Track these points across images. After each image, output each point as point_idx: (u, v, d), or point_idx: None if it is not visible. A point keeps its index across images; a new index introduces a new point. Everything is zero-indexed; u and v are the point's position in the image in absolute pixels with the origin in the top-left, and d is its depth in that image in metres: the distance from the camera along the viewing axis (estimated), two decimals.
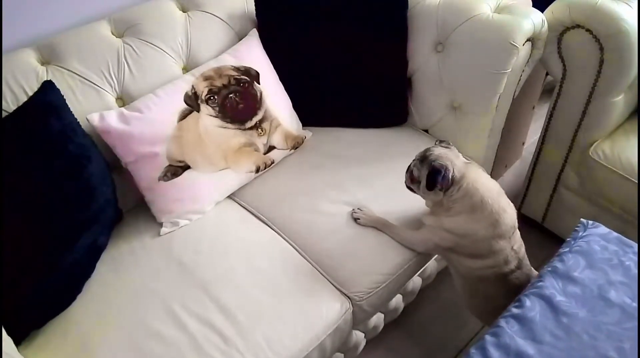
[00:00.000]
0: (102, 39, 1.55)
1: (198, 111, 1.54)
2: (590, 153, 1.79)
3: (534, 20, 1.59)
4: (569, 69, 1.73)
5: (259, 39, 1.71)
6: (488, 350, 1.11)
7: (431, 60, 1.74)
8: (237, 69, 1.61)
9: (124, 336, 1.26)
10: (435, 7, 1.71)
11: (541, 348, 1.11)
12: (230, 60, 1.62)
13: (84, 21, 1.59)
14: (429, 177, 1.36)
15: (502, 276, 1.40)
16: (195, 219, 1.54)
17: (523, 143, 2.40)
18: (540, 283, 1.24)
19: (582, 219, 1.41)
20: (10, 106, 1.37)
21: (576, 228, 1.38)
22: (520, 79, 1.71)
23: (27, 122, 1.30)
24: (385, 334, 1.78)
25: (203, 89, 1.55)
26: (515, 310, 1.19)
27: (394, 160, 1.66)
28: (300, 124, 1.78)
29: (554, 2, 1.70)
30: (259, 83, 1.63)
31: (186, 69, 1.65)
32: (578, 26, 1.63)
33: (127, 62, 1.55)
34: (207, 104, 1.55)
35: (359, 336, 1.61)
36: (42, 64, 1.47)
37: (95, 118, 1.43)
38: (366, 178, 1.64)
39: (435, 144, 1.45)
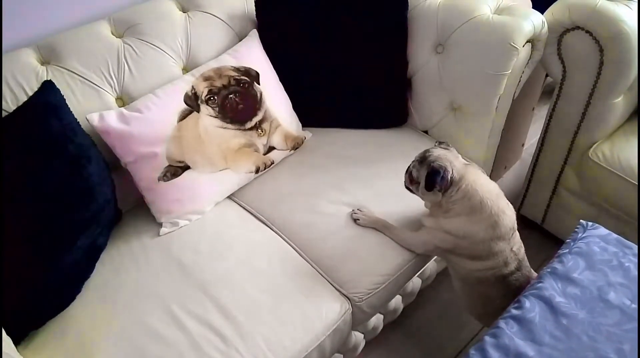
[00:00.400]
0: (102, 39, 1.55)
1: (198, 111, 1.54)
2: (589, 154, 1.79)
3: (534, 21, 1.59)
4: (568, 70, 1.74)
5: (259, 39, 1.71)
6: (487, 351, 1.11)
7: (431, 61, 1.74)
8: (237, 69, 1.61)
9: (123, 336, 1.26)
10: (435, 8, 1.71)
11: (540, 350, 1.11)
12: (230, 60, 1.62)
13: (84, 21, 1.59)
14: (428, 178, 1.36)
15: (501, 278, 1.40)
16: (194, 220, 1.54)
17: (523, 144, 2.40)
18: (540, 284, 1.24)
19: (581, 220, 1.41)
20: (10, 105, 1.37)
21: (576, 230, 1.39)
22: (520, 81, 1.71)
23: (27, 122, 1.30)
24: (384, 335, 1.78)
25: (203, 90, 1.55)
26: (514, 311, 1.19)
27: (393, 161, 1.67)
28: (300, 125, 1.78)
29: (554, 3, 1.70)
30: (259, 84, 1.63)
31: (186, 70, 1.65)
32: (578, 28, 1.63)
33: (127, 62, 1.55)
34: (207, 104, 1.55)
35: (358, 337, 1.61)
36: (42, 64, 1.47)
37: (95, 118, 1.43)
38: (366, 178, 1.64)
39: (435, 145, 1.45)
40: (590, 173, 1.81)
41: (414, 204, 1.50)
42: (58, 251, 1.28)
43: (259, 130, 1.63)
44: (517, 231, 1.42)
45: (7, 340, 1.13)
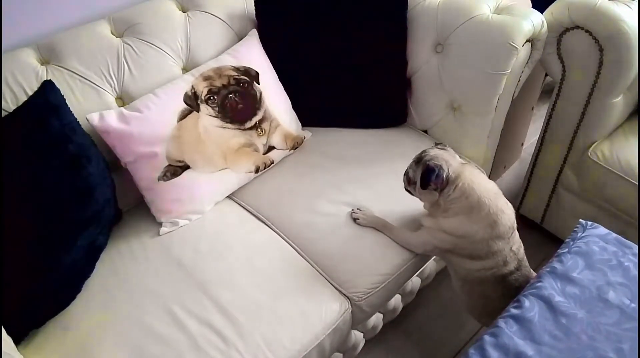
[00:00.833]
0: (101, 39, 1.55)
1: (198, 111, 1.54)
2: (589, 154, 1.79)
3: (534, 21, 1.59)
4: (568, 70, 1.74)
5: (258, 39, 1.71)
6: (487, 350, 1.11)
7: (431, 61, 1.74)
8: (236, 69, 1.61)
9: (123, 335, 1.26)
10: (435, 7, 1.71)
11: (540, 349, 1.11)
12: (230, 60, 1.62)
13: (84, 21, 1.59)
14: (423, 176, 1.37)
15: (501, 278, 1.40)
16: (194, 219, 1.55)
17: (522, 144, 2.40)
18: (539, 284, 1.24)
19: (581, 220, 1.41)
20: (10, 105, 1.37)
21: (575, 229, 1.39)
22: (519, 80, 1.71)
23: (27, 122, 1.30)
24: (384, 334, 1.78)
25: (203, 89, 1.55)
26: (514, 311, 1.19)
27: (393, 161, 1.67)
28: (300, 125, 1.78)
29: (554, 3, 1.70)
30: (258, 83, 1.63)
31: (186, 69, 1.65)
32: (577, 27, 1.63)
33: (127, 62, 1.55)
34: (207, 104, 1.55)
35: (358, 336, 1.61)
36: (42, 63, 1.47)
37: (94, 118, 1.43)
38: (365, 178, 1.64)
39: (432, 146, 1.46)
40: (590, 173, 1.81)
41: (414, 204, 1.50)
42: (58, 251, 1.28)
43: (259, 130, 1.63)
44: (516, 231, 1.43)
45: (7, 339, 1.13)
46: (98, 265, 1.40)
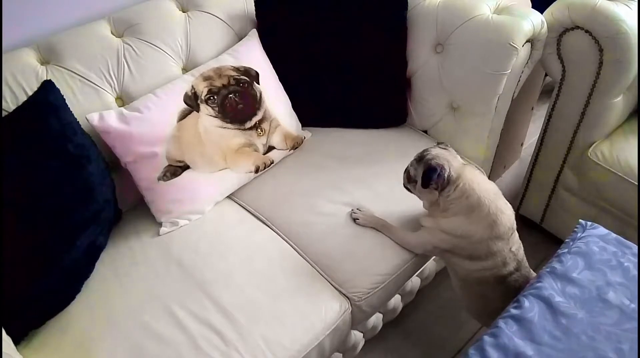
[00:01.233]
0: (101, 39, 1.55)
1: (198, 111, 1.54)
2: (589, 154, 1.79)
3: (534, 21, 1.60)
4: (568, 70, 1.74)
5: (258, 39, 1.71)
6: (487, 350, 1.11)
7: (431, 61, 1.74)
8: (236, 69, 1.61)
9: (123, 336, 1.26)
10: (434, 7, 1.71)
11: (540, 349, 1.11)
12: (230, 60, 1.62)
13: (84, 21, 1.59)
14: (424, 175, 1.37)
15: (500, 279, 1.40)
16: (194, 220, 1.54)
17: (522, 144, 2.40)
18: (539, 284, 1.24)
19: (580, 220, 1.41)
20: (9, 105, 1.37)
21: (575, 229, 1.39)
22: (519, 80, 1.71)
23: (27, 122, 1.30)
24: (383, 334, 1.78)
25: (203, 89, 1.55)
26: (514, 311, 1.19)
27: (393, 161, 1.67)
28: (300, 125, 1.78)
29: (554, 3, 1.70)
30: (258, 83, 1.63)
31: (186, 69, 1.65)
32: (577, 27, 1.63)
33: (127, 62, 1.55)
34: (207, 104, 1.55)
35: (357, 336, 1.61)
36: (42, 63, 1.47)
37: (94, 118, 1.43)
38: (365, 178, 1.64)
39: (434, 146, 1.46)
40: (590, 173, 1.81)
41: (414, 204, 1.50)
42: (58, 251, 1.28)
43: (259, 130, 1.63)
44: (516, 232, 1.43)
45: (7, 339, 1.13)
46: (98, 265, 1.40)
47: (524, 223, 2.13)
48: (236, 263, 1.42)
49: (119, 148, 1.47)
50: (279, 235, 1.53)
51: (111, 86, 1.53)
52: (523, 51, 1.62)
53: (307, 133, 1.79)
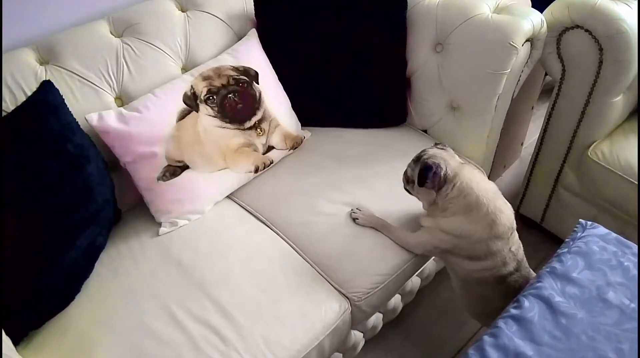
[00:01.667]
0: (101, 39, 1.55)
1: (197, 111, 1.54)
2: (589, 154, 1.79)
3: (533, 20, 1.59)
4: (568, 69, 1.74)
5: (258, 39, 1.71)
6: (486, 350, 1.11)
7: (430, 60, 1.74)
8: (236, 69, 1.61)
9: (123, 336, 1.26)
10: (434, 7, 1.71)
11: (540, 349, 1.11)
12: (229, 60, 1.62)
13: (83, 21, 1.59)
14: (420, 173, 1.38)
15: (500, 279, 1.40)
16: (194, 220, 1.54)
17: (522, 143, 2.40)
18: (539, 284, 1.24)
19: (580, 219, 1.41)
20: (9, 105, 1.37)
21: (575, 229, 1.39)
22: (519, 80, 1.71)
23: (26, 122, 1.30)
24: (383, 334, 1.78)
25: (202, 89, 1.55)
26: (513, 311, 1.19)
27: (393, 160, 1.66)
28: (299, 124, 1.78)
29: (553, 2, 1.69)
30: (258, 83, 1.63)
31: (185, 69, 1.65)
32: (577, 26, 1.63)
33: (126, 62, 1.55)
34: (206, 104, 1.55)
35: (357, 336, 1.61)
36: (41, 63, 1.47)
37: (94, 118, 1.43)
38: (365, 178, 1.64)
39: (432, 146, 1.46)
40: (590, 172, 1.81)
41: (413, 204, 1.50)
42: (57, 251, 1.28)
43: (258, 130, 1.63)
44: (515, 232, 1.42)
45: (6, 340, 1.13)
46: (97, 265, 1.40)
47: (524, 223, 2.13)
48: (236, 263, 1.42)
49: (118, 148, 1.47)
50: (279, 235, 1.52)
51: (110, 86, 1.53)
52: (523, 51, 1.61)
53: (307, 133, 1.79)
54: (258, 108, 1.63)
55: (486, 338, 1.14)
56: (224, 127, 1.57)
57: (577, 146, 1.84)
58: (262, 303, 1.34)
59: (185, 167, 1.53)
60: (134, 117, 1.46)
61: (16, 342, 1.21)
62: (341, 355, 1.59)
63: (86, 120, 1.42)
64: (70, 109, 1.37)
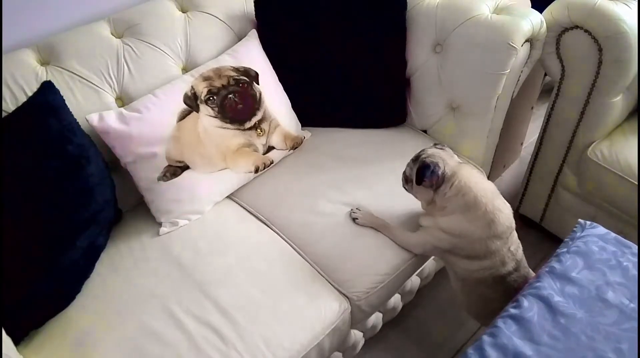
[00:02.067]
0: (101, 40, 1.55)
1: (197, 111, 1.54)
2: (588, 154, 1.79)
3: (533, 21, 1.60)
4: (567, 69, 1.74)
5: (258, 39, 1.71)
6: (486, 350, 1.11)
7: (430, 60, 1.74)
8: (236, 69, 1.61)
9: (123, 336, 1.26)
10: (434, 7, 1.71)
11: (539, 349, 1.11)
12: (230, 60, 1.63)
13: (84, 21, 1.59)
14: (418, 172, 1.38)
15: (499, 279, 1.41)
16: (194, 220, 1.55)
17: (522, 143, 2.40)
18: (538, 284, 1.24)
19: (580, 219, 1.41)
20: (9, 106, 1.38)
21: (574, 229, 1.39)
22: (518, 80, 1.71)
23: (27, 122, 1.30)
24: (383, 333, 1.78)
25: (202, 90, 1.55)
26: (513, 311, 1.19)
27: (392, 160, 1.67)
28: (300, 125, 1.78)
29: (553, 2, 1.70)
30: (258, 84, 1.64)
31: (185, 70, 1.65)
32: (577, 27, 1.63)
33: (127, 63, 1.55)
34: (207, 104, 1.55)
35: (357, 335, 1.61)
36: (42, 64, 1.47)
37: (94, 118, 1.43)
38: (365, 178, 1.64)
39: (430, 146, 1.46)
40: (589, 172, 1.81)
41: (413, 204, 1.50)
42: (58, 251, 1.29)
43: (258, 130, 1.63)
44: (514, 232, 1.42)
45: (6, 339, 1.13)
46: (98, 265, 1.40)
47: (524, 222, 2.13)
48: (236, 263, 1.42)
49: (118, 148, 1.47)
50: (279, 235, 1.53)
51: (111, 87, 1.53)
52: (522, 51, 1.62)
53: (307, 133, 1.80)
54: (258, 108, 1.63)
55: (485, 337, 1.14)
56: (224, 128, 1.57)
57: (577, 146, 1.84)
58: (262, 303, 1.34)
59: (186, 167, 1.53)
60: (135, 118, 1.46)
61: (17, 342, 1.21)
62: (341, 354, 1.60)
63: (87, 120, 1.43)
64: (70, 110, 1.37)
